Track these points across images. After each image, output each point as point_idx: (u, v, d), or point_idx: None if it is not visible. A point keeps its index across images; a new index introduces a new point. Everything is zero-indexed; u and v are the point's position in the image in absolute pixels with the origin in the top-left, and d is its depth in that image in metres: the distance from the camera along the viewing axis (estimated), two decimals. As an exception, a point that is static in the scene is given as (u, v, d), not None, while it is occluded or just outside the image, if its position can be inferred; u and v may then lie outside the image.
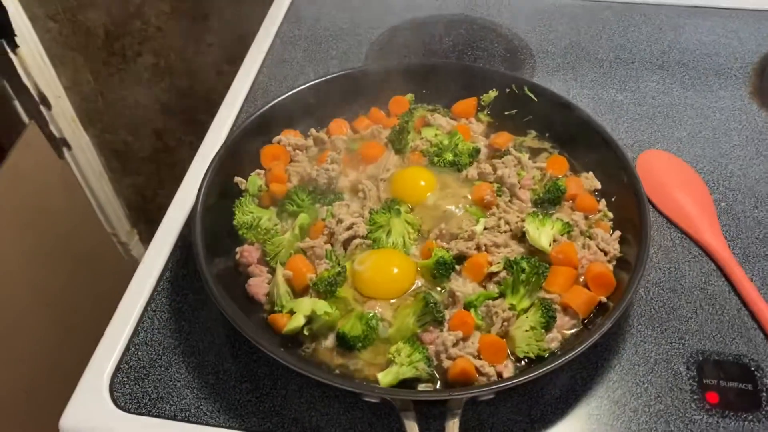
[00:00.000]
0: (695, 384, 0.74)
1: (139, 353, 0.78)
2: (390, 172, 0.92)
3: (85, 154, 2.04)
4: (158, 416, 0.73)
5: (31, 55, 1.76)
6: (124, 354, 0.78)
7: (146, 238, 2.24)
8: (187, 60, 1.79)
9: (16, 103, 1.80)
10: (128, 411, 0.73)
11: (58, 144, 1.95)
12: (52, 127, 1.90)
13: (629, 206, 0.83)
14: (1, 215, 1.57)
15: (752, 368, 0.75)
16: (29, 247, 1.67)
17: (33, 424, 1.46)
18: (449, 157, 0.92)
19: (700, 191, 0.93)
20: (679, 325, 0.80)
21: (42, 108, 1.86)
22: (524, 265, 0.76)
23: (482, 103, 1.01)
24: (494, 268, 0.78)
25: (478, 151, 0.94)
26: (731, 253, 0.85)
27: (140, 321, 0.81)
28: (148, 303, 0.83)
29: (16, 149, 1.69)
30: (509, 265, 0.77)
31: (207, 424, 0.72)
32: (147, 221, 2.27)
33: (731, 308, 0.81)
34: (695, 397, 0.73)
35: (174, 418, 0.72)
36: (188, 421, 0.72)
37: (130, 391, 0.75)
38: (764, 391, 0.73)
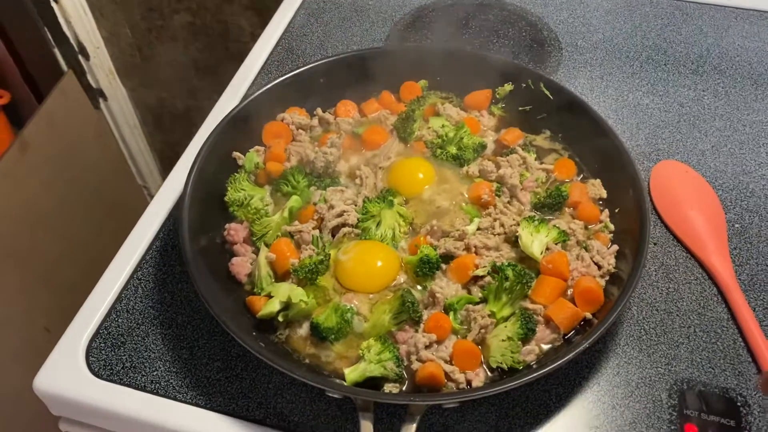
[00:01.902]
0: (674, 413, 0.71)
1: (119, 320, 0.79)
2: (390, 161, 0.90)
3: (120, 106, 2.07)
4: (129, 385, 0.74)
5: (73, 5, 1.78)
6: (104, 320, 0.79)
7: (175, 193, 2.28)
8: (222, 21, 1.78)
9: (56, 52, 1.83)
10: (101, 377, 0.74)
11: (95, 94, 1.98)
12: (89, 77, 1.93)
13: (632, 220, 0.79)
14: (34, 160, 1.61)
15: (738, 403, 0.72)
16: (61, 193, 1.71)
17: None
18: (452, 150, 0.89)
19: (714, 209, 0.88)
20: (669, 350, 0.76)
21: (80, 58, 1.89)
22: (509, 272, 0.73)
23: (497, 96, 0.97)
24: (479, 272, 0.76)
25: (483, 146, 0.91)
26: (736, 279, 0.81)
27: (125, 288, 0.82)
28: (135, 271, 0.84)
29: (53, 97, 1.72)
30: (494, 270, 0.75)
31: (174, 398, 0.73)
32: (177, 177, 2.30)
33: (727, 338, 0.77)
34: (672, 427, 0.70)
35: (143, 389, 0.73)
36: (156, 394, 0.73)
37: (105, 357, 0.76)
38: (747, 429, 0.70)
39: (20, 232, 1.55)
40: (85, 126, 1.88)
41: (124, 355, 0.76)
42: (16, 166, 1.55)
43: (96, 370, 0.75)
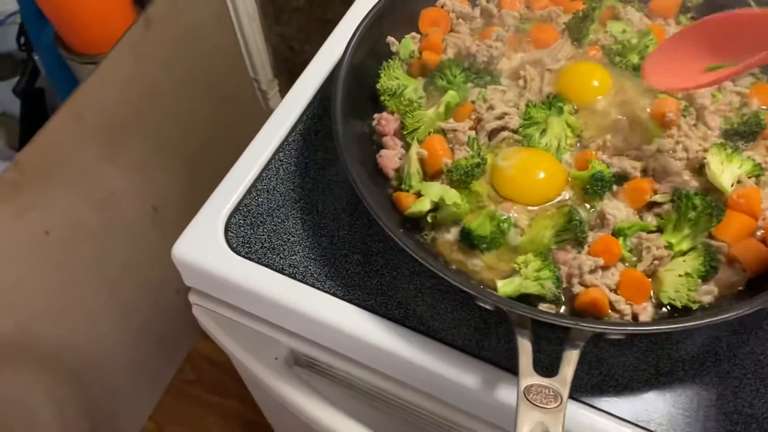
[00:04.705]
0: None
1: (259, 199, 0.76)
2: (560, 64, 0.80)
3: (242, -7, 2.02)
4: (267, 266, 0.71)
5: None
6: (244, 197, 0.76)
7: (285, 90, 2.24)
8: None
9: (185, -72, 1.78)
10: (239, 253, 0.72)
11: (218, -23, 1.93)
12: (214, -42, 1.88)
13: None
14: (157, 39, 1.60)
15: None
16: (178, 76, 1.71)
17: (158, 245, 1.56)
18: (634, 59, 0.79)
19: None
20: None
21: (207, -63, 1.83)
22: (697, 201, 0.64)
23: (688, 4, 0.85)
24: (658, 198, 0.67)
25: (669, 59, 0.79)
26: None
27: (266, 167, 0.79)
28: (277, 152, 0.80)
29: (178, -24, 1.69)
30: (678, 197, 0.66)
31: (312, 285, 0.70)
32: (289, 73, 2.26)
33: None
34: None
35: (281, 271, 0.71)
36: (294, 278, 0.70)
37: (244, 234, 0.73)
38: None
39: (141, 107, 1.56)
40: (206, 10, 1.85)
41: (263, 235, 0.73)
42: (141, 41, 1.54)
43: (234, 246, 0.73)
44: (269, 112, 2.24)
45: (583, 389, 0.63)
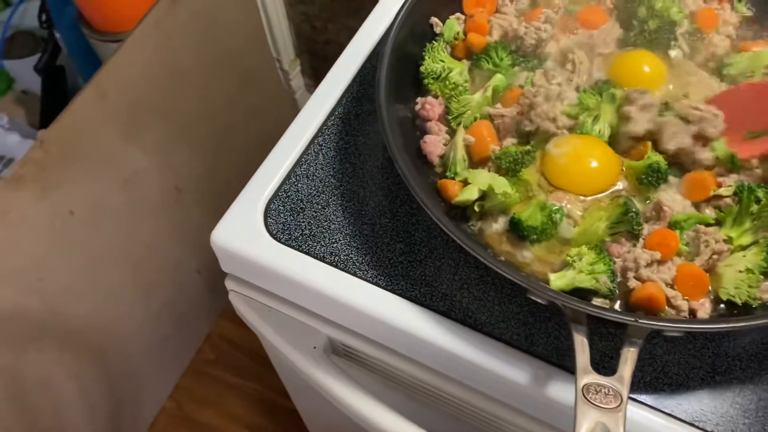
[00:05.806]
0: None
1: (299, 185, 0.74)
2: (610, 48, 0.77)
3: (265, -31, 1.98)
4: (307, 253, 0.69)
5: None
6: (283, 182, 0.74)
7: (307, 71, 2.21)
8: None
9: None
10: (279, 240, 0.70)
11: (242, -47, 1.89)
12: (237, -66, 1.84)
13: None
14: (183, 15, 1.57)
15: None
16: (202, 55, 1.68)
17: (180, 225, 1.55)
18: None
19: None
20: None
21: None
22: (761, 194, 0.62)
23: (744, -13, 0.81)
24: (723, 191, 0.65)
25: (724, 45, 0.76)
26: None
27: (305, 152, 0.76)
28: (316, 136, 0.78)
29: (201, -47, 1.65)
30: (740, 190, 0.63)
31: (354, 274, 0.68)
32: (311, 53, 2.23)
33: None
34: None
35: (323, 259, 0.69)
36: (336, 267, 0.68)
37: (284, 221, 0.71)
38: None
39: (164, 86, 1.53)
40: (229, -14, 1.81)
41: (303, 222, 0.71)
42: (166, 18, 1.52)
43: (274, 232, 0.71)
44: (291, 92, 2.21)
45: (637, 386, 0.61)
